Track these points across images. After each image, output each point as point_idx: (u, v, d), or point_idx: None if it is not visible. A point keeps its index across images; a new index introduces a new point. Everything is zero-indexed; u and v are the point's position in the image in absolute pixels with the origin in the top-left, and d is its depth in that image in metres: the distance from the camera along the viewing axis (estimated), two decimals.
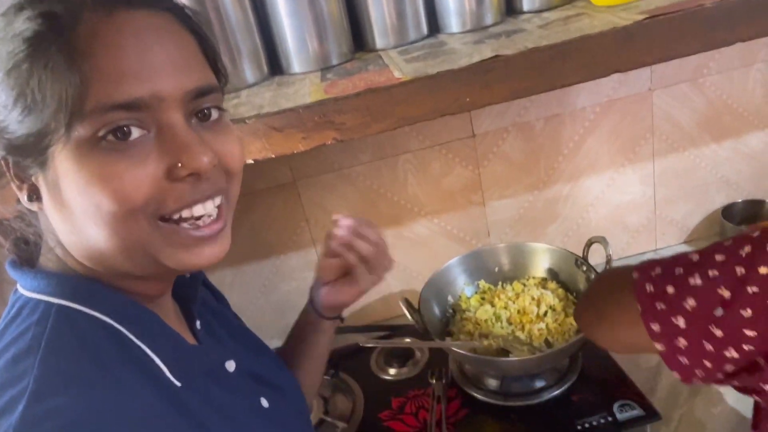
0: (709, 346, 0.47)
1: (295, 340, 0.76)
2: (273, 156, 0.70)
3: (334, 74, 0.78)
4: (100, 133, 0.38)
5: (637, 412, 0.80)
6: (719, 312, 0.46)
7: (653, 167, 1.18)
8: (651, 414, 0.80)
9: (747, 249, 0.46)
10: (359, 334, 1.13)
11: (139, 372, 0.42)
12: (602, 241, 0.89)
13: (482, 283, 1.04)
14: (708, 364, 0.48)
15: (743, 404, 0.85)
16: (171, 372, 0.44)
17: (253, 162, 0.69)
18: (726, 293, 0.46)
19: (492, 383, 0.89)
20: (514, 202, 1.19)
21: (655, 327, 0.50)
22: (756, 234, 0.48)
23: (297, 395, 0.63)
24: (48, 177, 0.40)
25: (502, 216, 1.20)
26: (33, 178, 0.42)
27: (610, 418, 0.80)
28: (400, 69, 0.72)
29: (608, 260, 0.88)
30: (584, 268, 0.93)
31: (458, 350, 0.84)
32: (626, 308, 0.53)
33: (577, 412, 0.82)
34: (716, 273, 0.47)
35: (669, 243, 1.26)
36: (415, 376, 0.97)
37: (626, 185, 1.19)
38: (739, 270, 0.46)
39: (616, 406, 0.81)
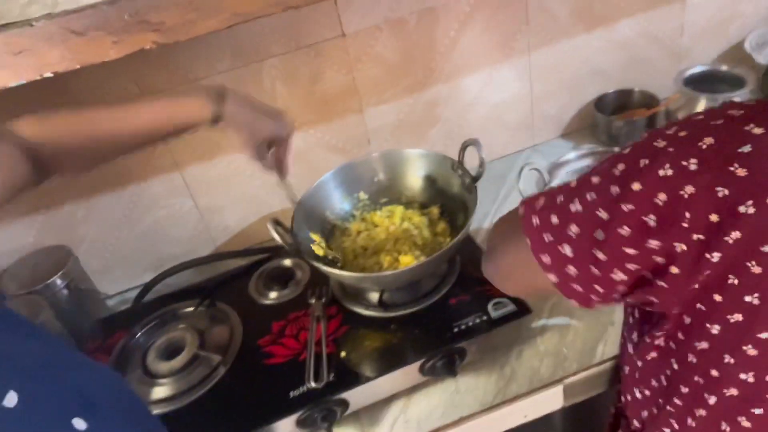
0: (596, 271, 0.46)
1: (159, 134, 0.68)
2: (78, 66, 0.57)
3: None
4: None
5: (510, 308, 0.82)
6: (600, 235, 0.45)
7: (529, 62, 1.16)
8: (523, 309, 0.82)
9: (620, 167, 0.45)
10: (237, 259, 1.07)
11: None
12: (476, 143, 0.86)
13: (361, 195, 0.99)
14: (599, 288, 0.48)
15: None
16: None
17: (52, 75, 0.57)
18: (604, 214, 0.44)
19: (373, 297, 0.87)
20: (393, 107, 1.13)
21: (546, 259, 0.49)
22: (627, 150, 0.46)
23: (121, 395, 0.51)
24: None
25: (381, 122, 1.14)
26: None
27: (485, 317, 0.81)
28: None
29: (481, 163, 0.86)
30: (460, 172, 0.91)
31: (330, 269, 0.80)
32: (518, 247, 0.52)
33: (455, 315, 0.83)
34: (594, 196, 0.46)
35: (546, 138, 1.27)
36: (296, 297, 0.93)
37: (504, 82, 1.17)
38: (614, 189, 0.44)
39: (490, 305, 0.82)
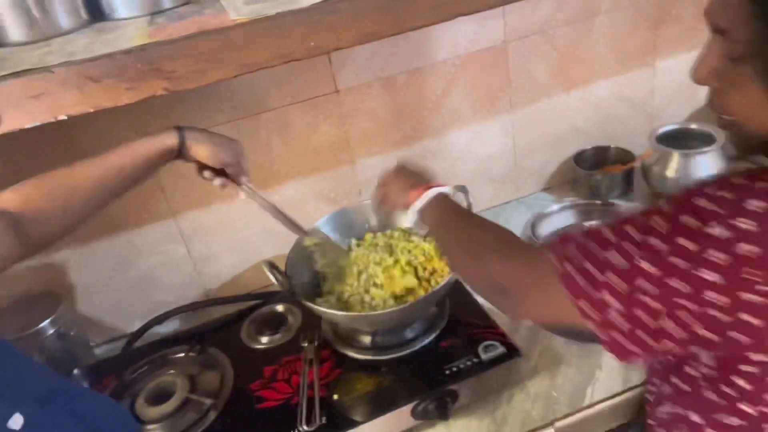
0: (649, 320, 0.47)
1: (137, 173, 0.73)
2: (92, 110, 0.61)
3: (165, 18, 0.70)
4: None
5: (500, 351, 0.83)
6: (654, 290, 0.46)
7: (512, 119, 1.22)
8: (513, 352, 0.83)
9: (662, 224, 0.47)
10: (228, 306, 1.07)
11: None
12: (463, 189, 0.90)
13: (353, 242, 1.02)
14: (651, 342, 0.48)
15: None
16: None
17: (66, 117, 0.60)
18: (653, 270, 0.46)
19: (365, 340, 0.88)
20: (383, 159, 1.17)
21: (585, 306, 0.50)
22: (665, 207, 0.48)
23: (125, 428, 0.54)
24: None
25: (372, 174, 1.17)
26: None
27: (475, 360, 0.82)
28: (237, 10, 0.66)
29: (469, 208, 0.90)
30: None
31: (323, 309, 0.82)
32: (556, 297, 0.52)
33: (446, 358, 0.84)
34: (636, 249, 0.47)
35: (530, 191, 1.32)
36: (287, 341, 0.94)
37: (489, 138, 1.23)
38: (663, 247, 0.46)
39: (481, 348, 0.84)
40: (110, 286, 1.07)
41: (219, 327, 1.01)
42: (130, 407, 0.85)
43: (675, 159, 1.16)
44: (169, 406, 0.83)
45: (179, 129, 0.75)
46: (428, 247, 0.95)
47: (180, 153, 0.75)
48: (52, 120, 0.60)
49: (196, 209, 1.08)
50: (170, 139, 0.74)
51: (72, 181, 0.69)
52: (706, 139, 1.18)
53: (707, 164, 1.15)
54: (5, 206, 0.63)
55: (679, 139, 1.21)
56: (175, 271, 1.11)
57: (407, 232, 1.00)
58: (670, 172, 1.16)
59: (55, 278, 1.03)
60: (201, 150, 0.76)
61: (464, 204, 0.90)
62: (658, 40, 1.24)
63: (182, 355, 0.94)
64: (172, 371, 0.90)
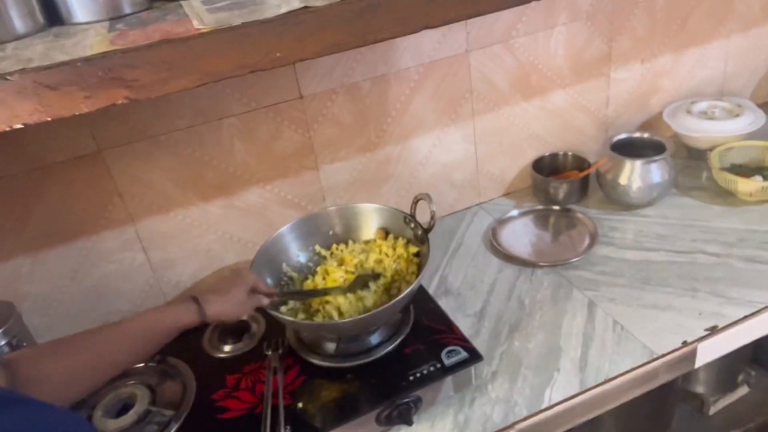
0: None
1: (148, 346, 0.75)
2: (49, 119, 0.59)
3: (126, 24, 0.68)
4: None
5: (462, 356, 0.85)
6: None
7: (473, 126, 1.25)
8: (474, 356, 0.85)
9: None
10: None
11: None
12: (426, 197, 0.92)
13: (317, 248, 1.02)
14: None
15: (552, 337, 0.95)
16: None
17: (23, 126, 0.58)
18: None
19: (329, 347, 0.89)
20: (347, 164, 1.18)
21: None
22: None
23: None
24: None
25: (336, 179, 1.19)
26: None
27: (438, 365, 0.84)
28: (201, 19, 0.65)
29: (432, 216, 0.91)
30: (412, 225, 0.96)
31: (287, 317, 0.82)
32: None
33: (410, 364, 0.85)
34: None
35: (490, 196, 1.35)
36: (251, 349, 0.93)
37: (451, 144, 1.25)
38: None
39: (443, 353, 0.85)
40: (65, 294, 1.04)
41: (180, 335, 0.99)
42: (87, 420, 0.82)
43: (627, 166, 1.21)
44: (128, 418, 0.81)
45: (196, 302, 0.78)
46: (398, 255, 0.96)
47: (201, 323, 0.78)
48: (7, 129, 0.58)
49: (155, 215, 1.05)
50: (188, 317, 0.77)
51: (89, 357, 0.69)
52: (657, 148, 1.24)
53: (657, 172, 1.20)
54: (16, 363, 0.63)
55: (632, 148, 1.26)
56: (133, 279, 1.08)
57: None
58: (623, 179, 1.21)
59: (6, 287, 0.99)
60: (225, 317, 0.80)
61: (428, 211, 0.92)
62: (612, 52, 1.29)
63: (141, 365, 0.92)
64: (131, 382, 0.88)
